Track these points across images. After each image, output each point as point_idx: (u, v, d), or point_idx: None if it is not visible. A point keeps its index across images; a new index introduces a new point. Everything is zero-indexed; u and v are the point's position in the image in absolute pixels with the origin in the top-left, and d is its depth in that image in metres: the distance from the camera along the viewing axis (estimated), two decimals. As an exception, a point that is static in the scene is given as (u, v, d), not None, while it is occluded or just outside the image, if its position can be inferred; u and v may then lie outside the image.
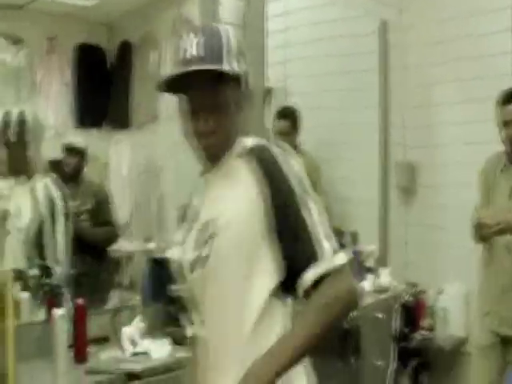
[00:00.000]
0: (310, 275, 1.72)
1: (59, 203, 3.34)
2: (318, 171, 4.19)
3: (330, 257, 1.73)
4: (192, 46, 1.80)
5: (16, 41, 3.70)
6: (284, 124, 4.22)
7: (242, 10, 3.49)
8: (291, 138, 4.21)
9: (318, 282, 1.72)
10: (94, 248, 3.65)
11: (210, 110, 1.81)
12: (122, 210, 3.96)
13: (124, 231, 3.90)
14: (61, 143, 3.70)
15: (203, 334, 1.89)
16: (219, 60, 1.79)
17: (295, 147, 4.23)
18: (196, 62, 1.78)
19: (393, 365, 3.67)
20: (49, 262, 3.21)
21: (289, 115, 4.26)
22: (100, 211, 3.73)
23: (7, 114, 3.25)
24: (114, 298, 3.39)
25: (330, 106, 4.40)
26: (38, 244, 3.22)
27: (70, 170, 3.69)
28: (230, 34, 1.85)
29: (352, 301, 1.76)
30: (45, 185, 3.35)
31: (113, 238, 3.77)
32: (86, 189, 3.74)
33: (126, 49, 4.00)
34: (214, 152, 1.89)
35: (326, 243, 1.74)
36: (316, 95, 4.40)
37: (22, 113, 3.28)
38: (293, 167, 1.79)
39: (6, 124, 3.24)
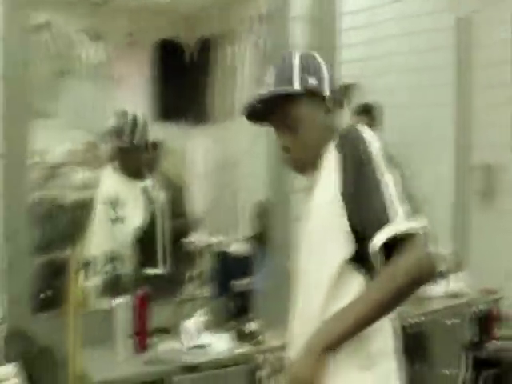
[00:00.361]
0: (380, 237, 1.71)
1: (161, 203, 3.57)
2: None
3: (403, 221, 1.73)
4: (267, 76, 2.00)
5: (96, 37, 3.79)
6: (362, 120, 4.14)
7: (315, 6, 3.48)
8: (370, 135, 4.13)
9: (390, 248, 1.72)
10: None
11: (282, 130, 1.99)
12: (197, 203, 4.01)
13: (199, 224, 3.94)
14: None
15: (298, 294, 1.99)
16: (284, 82, 1.95)
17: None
18: (265, 89, 1.98)
19: (464, 375, 3.55)
20: (119, 254, 3.30)
21: (368, 111, 4.18)
22: (175, 204, 3.78)
23: (122, 118, 3.49)
24: (182, 291, 3.41)
25: (405, 103, 4.30)
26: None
27: (147, 163, 3.76)
28: (293, 55, 2.00)
29: (424, 270, 1.72)
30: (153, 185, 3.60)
31: (187, 230, 3.80)
32: (161, 182, 3.80)
33: (204, 44, 4.03)
34: (294, 166, 2.03)
35: (399, 208, 1.74)
36: (392, 92, 4.30)
37: (135, 117, 3.53)
38: (376, 143, 1.84)
39: (121, 128, 3.49)
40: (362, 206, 1.77)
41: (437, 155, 4.31)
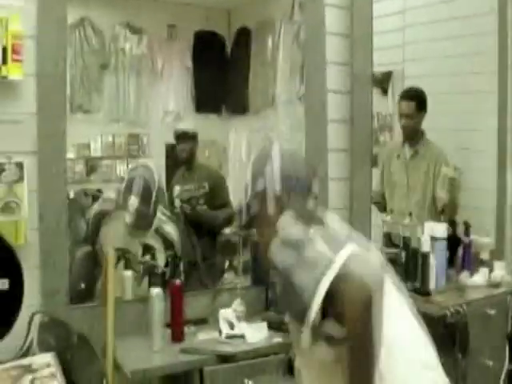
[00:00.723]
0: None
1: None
2: (439, 162, 4.03)
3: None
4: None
5: (137, 30, 3.85)
6: (409, 105, 4.05)
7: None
8: (416, 120, 4.06)
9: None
10: (209, 230, 3.76)
11: None
12: (237, 194, 4.01)
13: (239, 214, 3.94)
14: (174, 130, 3.86)
15: None
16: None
17: (420, 134, 4.13)
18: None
19: (507, 366, 3.48)
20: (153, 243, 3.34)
21: (414, 96, 4.07)
22: (216, 194, 3.84)
23: None
24: (220, 280, 3.43)
25: (446, 90, 4.23)
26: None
27: (184, 155, 3.81)
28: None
29: (363, 299, 1.70)
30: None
31: (230, 219, 3.81)
32: (200, 173, 3.87)
33: (243, 34, 4.05)
34: None
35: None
36: (432, 79, 4.23)
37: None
38: None
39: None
40: None
41: (479, 143, 4.23)
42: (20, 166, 2.73)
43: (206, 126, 4.04)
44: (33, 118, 2.77)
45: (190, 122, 4.02)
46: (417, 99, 4.06)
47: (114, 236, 3.32)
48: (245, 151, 4.11)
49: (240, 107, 4.13)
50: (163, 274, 3.20)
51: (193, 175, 3.85)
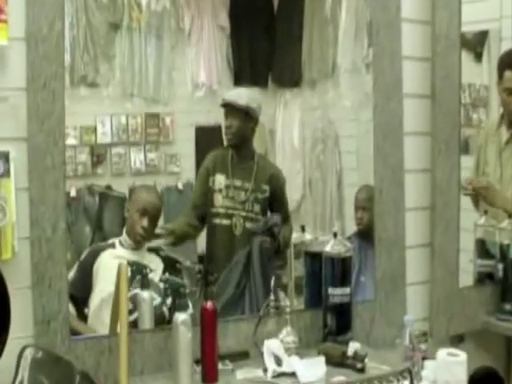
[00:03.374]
0: None
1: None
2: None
3: None
4: None
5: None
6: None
7: None
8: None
9: None
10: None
11: None
12: (292, 189, 4.04)
13: (292, 217, 3.94)
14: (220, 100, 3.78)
15: None
16: None
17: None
18: None
19: None
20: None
21: None
22: (277, 201, 3.77)
23: None
24: (264, 302, 3.39)
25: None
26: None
27: (231, 137, 3.75)
28: None
29: None
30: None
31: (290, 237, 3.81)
32: (259, 168, 3.77)
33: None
34: None
35: None
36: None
37: None
38: None
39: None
40: None
41: None
42: (5, 156, 2.71)
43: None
44: (21, 95, 2.76)
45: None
46: None
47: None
48: (297, 135, 4.09)
49: (291, 78, 4.11)
50: (191, 294, 3.16)
51: (245, 168, 3.76)
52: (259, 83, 4.08)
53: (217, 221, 3.67)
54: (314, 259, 3.39)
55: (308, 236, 3.75)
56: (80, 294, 3.14)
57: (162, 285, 3.21)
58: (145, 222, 3.38)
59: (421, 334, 3.19)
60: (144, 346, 2.97)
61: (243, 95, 3.76)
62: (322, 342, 3.23)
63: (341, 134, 4.06)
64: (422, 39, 3.55)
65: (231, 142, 3.75)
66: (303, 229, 3.79)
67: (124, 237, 3.40)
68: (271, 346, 3.00)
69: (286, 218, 3.75)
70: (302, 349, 3.10)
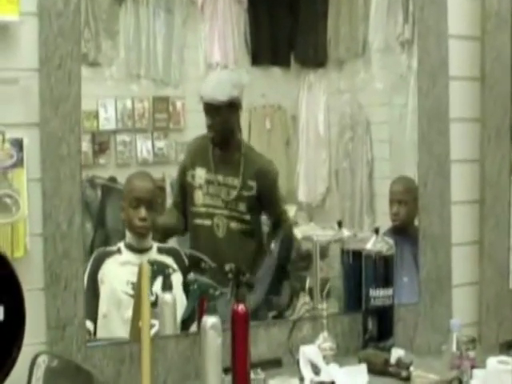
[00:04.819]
0: None
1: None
2: None
3: None
4: None
5: None
6: None
7: None
8: None
9: None
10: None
11: None
12: (316, 181, 4.09)
13: (315, 212, 4.00)
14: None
15: None
16: None
17: None
18: None
19: None
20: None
21: None
22: (266, 199, 3.77)
23: None
24: (294, 305, 3.45)
25: None
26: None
27: (214, 135, 3.73)
28: None
29: None
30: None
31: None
32: (246, 161, 3.76)
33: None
34: None
35: None
36: None
37: None
38: None
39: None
40: None
41: None
42: (19, 144, 2.76)
43: (267, 85, 4.03)
44: (33, 76, 2.80)
45: (244, 78, 3.97)
46: None
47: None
48: (323, 121, 4.10)
49: (316, 58, 4.10)
50: (221, 296, 3.16)
51: (231, 164, 3.76)
52: (280, 63, 4.07)
53: (198, 221, 3.68)
54: (353, 258, 3.47)
55: (346, 232, 3.76)
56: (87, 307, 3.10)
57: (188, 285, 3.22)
58: (142, 212, 3.41)
59: (469, 340, 3.17)
60: (168, 353, 3.02)
61: (223, 86, 3.74)
62: (362, 349, 3.29)
63: (372, 120, 4.05)
64: (471, 16, 3.59)
65: (216, 140, 3.71)
66: (340, 224, 3.79)
67: (128, 238, 3.45)
68: (308, 352, 3.03)
69: (277, 220, 3.81)
70: (340, 356, 3.13)
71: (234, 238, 3.67)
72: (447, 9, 3.51)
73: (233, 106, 3.69)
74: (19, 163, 2.75)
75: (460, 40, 3.57)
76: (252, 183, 3.67)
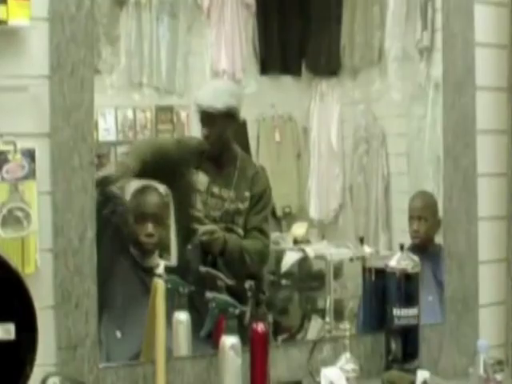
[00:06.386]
0: None
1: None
2: None
3: None
4: None
5: None
6: None
7: None
8: None
9: None
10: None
11: None
12: (329, 197, 4.17)
13: (327, 230, 4.08)
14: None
15: None
16: None
17: None
18: None
19: None
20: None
21: None
22: (255, 207, 3.78)
23: None
24: (313, 325, 3.50)
25: None
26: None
27: (209, 148, 3.73)
28: None
29: None
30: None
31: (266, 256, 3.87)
32: (241, 172, 3.78)
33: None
34: None
35: None
36: None
37: None
38: None
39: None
40: None
41: None
42: (30, 155, 2.78)
43: (277, 95, 4.08)
44: (43, 84, 2.83)
45: (252, 87, 4.02)
46: None
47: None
48: (336, 133, 4.17)
49: (328, 66, 4.17)
50: (241, 315, 3.10)
51: (226, 175, 3.77)
52: (290, 71, 4.13)
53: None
54: (376, 276, 3.50)
55: (367, 249, 3.80)
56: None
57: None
58: (149, 227, 3.46)
59: (496, 363, 3.16)
60: (184, 375, 3.04)
61: (220, 94, 3.73)
62: (386, 371, 3.29)
63: (388, 133, 4.11)
64: (498, 24, 3.62)
65: (211, 154, 3.70)
66: (362, 241, 3.86)
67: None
68: (330, 375, 3.02)
69: (261, 228, 3.77)
70: (363, 378, 3.13)
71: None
72: (473, 16, 3.55)
73: (229, 116, 3.67)
74: (31, 175, 2.77)
75: (487, 48, 3.60)
76: (247, 193, 3.71)
